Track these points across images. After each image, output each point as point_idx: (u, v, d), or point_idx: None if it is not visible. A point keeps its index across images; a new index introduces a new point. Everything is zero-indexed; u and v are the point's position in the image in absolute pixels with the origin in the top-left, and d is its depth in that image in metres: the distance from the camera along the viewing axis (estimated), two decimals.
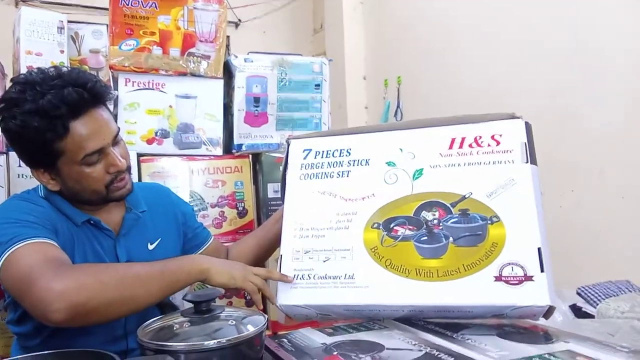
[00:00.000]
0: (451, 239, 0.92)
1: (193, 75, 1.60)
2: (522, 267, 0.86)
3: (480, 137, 0.97)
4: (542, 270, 0.85)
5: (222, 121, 1.65)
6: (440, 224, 0.93)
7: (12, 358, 0.87)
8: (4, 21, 2.12)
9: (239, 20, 4.04)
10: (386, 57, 3.43)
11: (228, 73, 1.68)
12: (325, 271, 0.97)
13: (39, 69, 1.01)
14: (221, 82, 1.65)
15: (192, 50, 1.60)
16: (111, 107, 1.36)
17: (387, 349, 0.83)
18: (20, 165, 1.43)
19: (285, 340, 0.92)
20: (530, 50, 2.34)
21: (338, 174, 1.05)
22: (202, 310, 0.85)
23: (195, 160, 1.61)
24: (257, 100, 1.66)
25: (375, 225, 0.98)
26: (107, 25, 1.60)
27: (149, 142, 1.57)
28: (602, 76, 2.03)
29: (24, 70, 1.43)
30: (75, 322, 0.85)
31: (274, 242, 1.23)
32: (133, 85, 1.56)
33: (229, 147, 1.67)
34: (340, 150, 1.07)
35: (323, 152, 1.08)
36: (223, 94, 1.66)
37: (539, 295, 0.84)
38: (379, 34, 3.50)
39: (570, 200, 2.12)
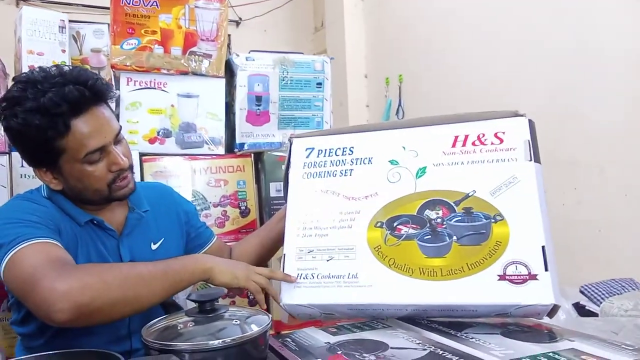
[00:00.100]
0: (455, 237, 0.92)
1: (195, 74, 1.60)
2: (526, 266, 0.86)
3: (484, 135, 0.97)
4: (546, 269, 0.85)
5: (224, 120, 1.65)
6: (444, 223, 0.93)
7: (16, 358, 0.87)
8: (5, 21, 2.12)
9: (240, 18, 4.04)
10: (387, 55, 3.43)
11: (230, 72, 1.67)
12: (329, 270, 0.97)
13: (40, 68, 1.01)
14: (223, 81, 1.65)
15: (193, 49, 1.60)
16: (113, 106, 1.35)
17: (391, 348, 0.83)
18: (22, 165, 1.42)
19: (289, 339, 0.92)
20: (531, 49, 2.34)
21: (341, 172, 1.05)
22: (206, 309, 0.85)
23: (197, 159, 1.60)
24: (258, 99, 1.66)
25: (379, 224, 0.97)
26: (109, 24, 1.60)
27: (151, 141, 1.57)
28: (602, 75, 2.04)
29: (25, 70, 1.42)
30: (79, 322, 0.85)
31: (277, 242, 1.23)
32: (135, 85, 1.55)
33: (231, 146, 1.67)
34: (343, 148, 1.07)
35: (325, 150, 1.08)
36: (225, 92, 1.66)
37: (543, 294, 0.84)
38: (380, 31, 3.50)
39: (571, 198, 2.12)
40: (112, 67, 1.54)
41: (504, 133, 0.95)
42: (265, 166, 1.68)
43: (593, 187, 2.07)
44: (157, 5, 1.56)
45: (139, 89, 1.56)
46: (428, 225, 0.94)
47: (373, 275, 0.94)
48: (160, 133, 1.57)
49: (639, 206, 1.92)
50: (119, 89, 1.52)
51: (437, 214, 0.94)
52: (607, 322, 1.16)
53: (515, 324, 0.92)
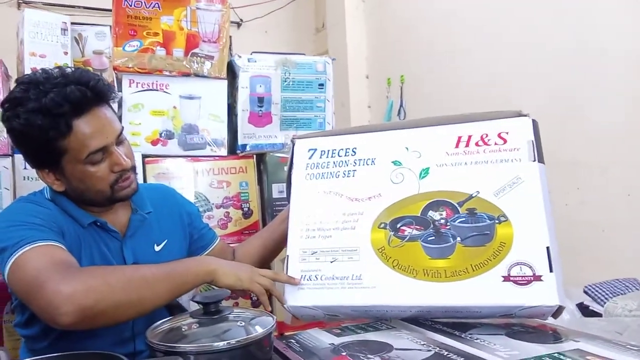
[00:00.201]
0: (459, 238, 0.91)
1: (197, 75, 1.60)
2: (530, 267, 0.85)
3: (487, 136, 0.96)
4: (551, 270, 0.84)
5: (226, 122, 1.65)
6: (448, 224, 0.93)
7: None
8: (6, 23, 2.13)
9: (241, 20, 4.04)
10: (389, 56, 3.43)
11: (232, 73, 1.67)
12: (333, 272, 0.97)
13: (43, 69, 1.01)
14: (225, 83, 1.65)
15: (195, 50, 1.60)
16: (115, 107, 1.35)
17: (396, 349, 0.83)
18: (25, 168, 1.43)
19: (293, 341, 0.92)
20: (532, 50, 2.34)
21: (344, 173, 1.05)
22: (211, 311, 0.85)
23: (199, 161, 1.60)
24: (261, 100, 1.66)
25: (382, 225, 0.97)
26: (111, 26, 1.60)
27: (154, 143, 1.57)
28: (604, 75, 2.04)
29: (28, 72, 1.43)
30: (84, 325, 0.85)
31: (280, 243, 1.23)
32: (137, 86, 1.55)
33: (233, 148, 1.67)
34: (346, 149, 1.07)
35: (328, 151, 1.08)
36: (227, 94, 1.66)
37: (548, 295, 0.84)
38: (381, 32, 3.50)
39: (574, 198, 2.12)
40: (114, 69, 1.54)
41: (507, 133, 0.95)
42: (268, 167, 1.68)
43: (596, 188, 2.07)
44: (158, 7, 1.56)
45: (141, 91, 1.56)
46: (432, 226, 0.94)
47: (377, 277, 0.94)
48: (163, 135, 1.57)
49: None
50: (121, 91, 1.53)
51: (441, 215, 0.94)
52: (611, 322, 1.16)
53: (519, 325, 0.91)
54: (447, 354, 0.79)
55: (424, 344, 0.84)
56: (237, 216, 1.62)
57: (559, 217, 0.92)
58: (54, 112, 0.94)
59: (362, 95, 3.62)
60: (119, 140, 1.03)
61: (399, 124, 1.08)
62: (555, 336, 0.86)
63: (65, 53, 1.59)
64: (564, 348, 0.78)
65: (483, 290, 0.87)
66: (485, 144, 0.96)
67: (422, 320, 0.96)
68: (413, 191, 0.98)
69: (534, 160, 0.92)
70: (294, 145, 1.12)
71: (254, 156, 1.68)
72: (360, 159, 1.05)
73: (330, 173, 1.06)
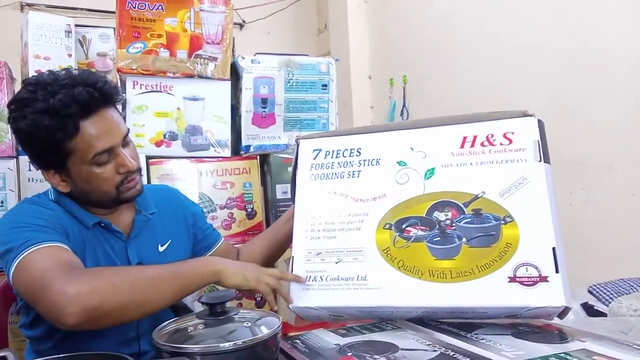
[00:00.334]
0: (464, 239, 0.91)
1: (200, 77, 1.60)
2: (536, 268, 0.85)
3: (492, 136, 0.96)
4: (557, 271, 0.84)
5: (230, 123, 1.65)
6: (453, 225, 0.93)
7: None
8: (10, 25, 2.14)
9: (243, 21, 4.04)
10: (391, 57, 3.42)
11: (235, 74, 1.67)
12: (338, 273, 0.97)
13: (49, 71, 1.01)
14: (228, 84, 1.65)
15: (199, 52, 1.60)
16: (119, 109, 1.36)
17: (402, 349, 0.83)
18: (30, 169, 1.43)
19: (298, 341, 0.92)
20: (535, 49, 2.34)
21: (349, 174, 1.05)
22: (217, 312, 0.85)
23: (203, 162, 1.61)
24: (264, 101, 1.66)
25: (387, 225, 0.97)
26: (114, 28, 1.61)
27: (158, 144, 1.57)
28: (608, 73, 2.03)
29: (32, 74, 1.43)
30: (89, 326, 0.85)
31: (284, 243, 1.24)
32: (141, 88, 1.56)
33: (237, 149, 1.67)
34: (351, 150, 1.07)
35: (333, 152, 1.08)
36: (230, 95, 1.66)
37: (554, 296, 0.83)
38: (384, 33, 3.50)
39: (579, 197, 2.12)
40: (118, 70, 1.55)
41: (513, 133, 0.95)
42: (271, 168, 1.68)
43: (600, 187, 2.07)
44: (162, 9, 1.57)
45: (145, 93, 1.56)
46: (437, 226, 0.94)
47: (382, 278, 0.94)
48: (167, 136, 1.58)
49: None
50: (125, 93, 1.53)
51: (446, 215, 0.94)
52: (616, 322, 1.15)
53: (525, 325, 0.91)
54: (453, 355, 0.79)
55: (430, 345, 0.84)
56: (241, 217, 1.62)
57: (564, 217, 0.91)
58: (62, 113, 0.94)
59: (364, 95, 3.62)
60: (125, 141, 1.04)
61: (403, 124, 1.08)
62: (561, 336, 0.86)
63: (70, 55, 1.59)
64: (570, 348, 0.78)
65: (489, 291, 0.87)
66: (491, 144, 0.96)
67: (427, 320, 0.96)
68: (418, 192, 0.97)
69: (540, 161, 0.92)
70: (298, 145, 1.12)
71: (258, 157, 1.68)
72: (365, 160, 1.04)
73: (335, 173, 1.06)
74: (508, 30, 2.50)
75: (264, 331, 0.81)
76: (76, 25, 1.64)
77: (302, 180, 1.08)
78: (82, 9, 3.46)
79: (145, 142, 1.55)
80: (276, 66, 1.67)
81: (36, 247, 0.89)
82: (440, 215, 0.94)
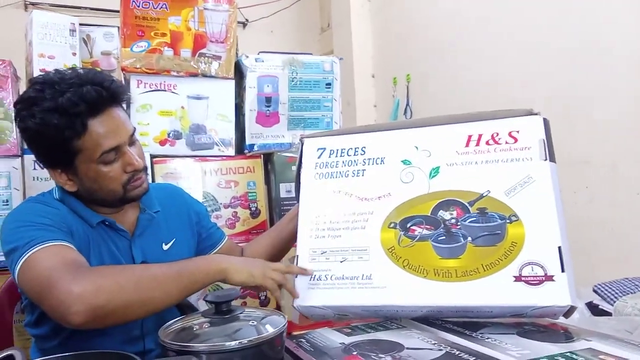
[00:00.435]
0: (469, 238, 0.91)
1: (204, 76, 1.61)
2: (542, 267, 0.85)
3: (498, 134, 0.96)
4: (562, 270, 0.84)
5: (233, 121, 1.65)
6: (458, 224, 0.93)
7: None
8: (13, 24, 2.14)
9: (247, 20, 4.04)
10: (394, 55, 3.42)
11: (239, 73, 1.68)
12: (343, 272, 0.97)
13: (56, 70, 1.02)
14: (232, 83, 1.65)
15: (203, 50, 1.60)
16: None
17: (407, 348, 0.83)
18: (35, 168, 1.44)
19: (303, 340, 0.92)
20: (539, 48, 2.33)
21: (353, 172, 1.04)
22: (223, 310, 0.85)
23: (207, 161, 1.61)
24: (268, 100, 1.66)
25: (392, 225, 0.97)
26: (118, 27, 1.61)
27: (162, 143, 1.57)
28: (610, 72, 2.02)
29: (37, 73, 1.43)
30: (94, 324, 0.85)
31: (288, 242, 1.24)
32: (145, 87, 1.56)
33: (241, 148, 1.67)
34: (355, 148, 1.06)
35: (337, 150, 1.08)
36: (234, 94, 1.66)
37: (559, 296, 0.83)
38: (387, 31, 3.49)
39: (583, 196, 2.11)
40: (122, 69, 1.55)
41: (518, 132, 0.95)
42: (275, 167, 1.68)
43: (605, 186, 2.06)
44: (166, 7, 1.57)
45: (149, 91, 1.56)
46: (442, 225, 0.94)
47: (387, 277, 0.94)
48: (171, 135, 1.58)
49: None
50: (129, 92, 1.53)
51: (451, 214, 0.94)
52: (621, 321, 1.15)
53: (531, 324, 0.91)
54: (458, 354, 0.78)
55: (435, 344, 0.84)
56: (245, 216, 1.62)
57: (568, 216, 0.91)
58: (71, 111, 0.94)
59: (368, 94, 3.61)
60: (131, 140, 1.04)
61: (408, 123, 1.08)
62: (566, 335, 0.86)
63: (74, 54, 1.59)
64: (576, 347, 0.78)
65: (494, 291, 0.86)
66: (496, 142, 0.95)
67: (432, 319, 0.96)
68: (423, 190, 0.97)
69: (546, 159, 0.91)
70: (302, 144, 1.12)
71: (262, 156, 1.68)
72: (369, 158, 1.04)
73: (340, 172, 1.05)
74: (511, 30, 2.49)
75: (270, 330, 0.81)
76: (80, 24, 1.64)
77: (307, 179, 1.08)
78: (86, 8, 3.46)
79: (149, 141, 1.55)
80: (280, 65, 1.67)
81: (41, 246, 0.89)
82: (445, 214, 0.94)
